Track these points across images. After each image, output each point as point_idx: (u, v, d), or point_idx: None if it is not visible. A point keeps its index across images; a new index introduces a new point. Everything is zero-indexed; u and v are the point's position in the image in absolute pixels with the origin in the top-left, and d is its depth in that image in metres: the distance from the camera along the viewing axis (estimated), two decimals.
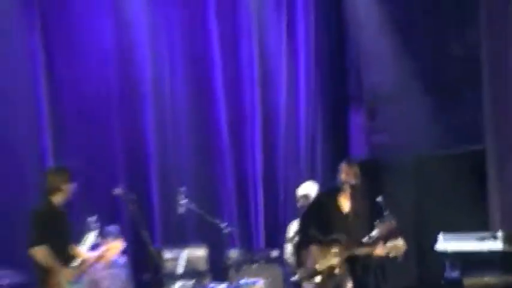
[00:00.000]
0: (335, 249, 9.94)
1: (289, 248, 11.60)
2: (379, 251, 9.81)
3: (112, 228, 10.57)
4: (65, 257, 9.26)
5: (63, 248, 9.28)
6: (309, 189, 11.54)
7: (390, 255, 9.87)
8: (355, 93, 14.48)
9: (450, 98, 13.12)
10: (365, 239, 9.99)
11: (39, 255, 9.06)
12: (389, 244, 9.82)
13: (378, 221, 9.89)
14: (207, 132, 13.56)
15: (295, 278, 10.72)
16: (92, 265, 9.89)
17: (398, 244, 9.82)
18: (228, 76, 13.72)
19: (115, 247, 9.87)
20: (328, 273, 9.95)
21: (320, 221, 10.12)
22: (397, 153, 13.69)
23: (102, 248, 9.76)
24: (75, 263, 9.38)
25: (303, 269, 10.15)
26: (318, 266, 9.98)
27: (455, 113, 13.01)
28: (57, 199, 9.27)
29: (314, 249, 10.02)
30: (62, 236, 9.29)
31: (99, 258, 9.71)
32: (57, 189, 9.27)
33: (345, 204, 10.05)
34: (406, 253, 10.30)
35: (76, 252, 9.48)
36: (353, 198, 10.06)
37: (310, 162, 14.09)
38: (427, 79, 13.37)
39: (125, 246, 10.33)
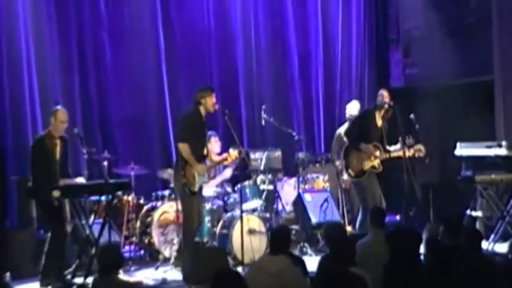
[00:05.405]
0: (376, 153, 9.94)
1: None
2: (407, 153, 9.88)
3: (210, 132, 10.56)
4: (200, 156, 9.36)
5: (200, 148, 9.38)
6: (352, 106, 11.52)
7: (416, 155, 9.95)
8: (395, 36, 14.27)
9: (467, 40, 12.85)
10: (395, 147, 10.09)
11: (182, 150, 9.17)
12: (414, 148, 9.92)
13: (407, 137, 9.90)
14: (282, 64, 13.53)
15: (345, 176, 10.79)
16: (216, 165, 10.32)
17: (420, 148, 9.94)
18: (298, 24, 13.68)
19: (233, 155, 9.75)
20: (370, 172, 9.98)
21: (362, 131, 10.16)
22: (425, 82, 13.49)
23: (225, 155, 9.83)
24: (207, 161, 9.61)
25: (351, 169, 10.15)
26: (364, 166, 9.98)
27: (470, 52, 12.75)
28: (202, 110, 9.35)
29: (360, 154, 10.00)
30: (200, 139, 9.40)
31: (222, 160, 9.90)
32: (198, 103, 9.33)
33: (379, 120, 10.13)
34: (431, 156, 10.32)
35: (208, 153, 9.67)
36: (386, 116, 10.13)
37: (359, 89, 13.94)
38: (449, 25, 13.11)
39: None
